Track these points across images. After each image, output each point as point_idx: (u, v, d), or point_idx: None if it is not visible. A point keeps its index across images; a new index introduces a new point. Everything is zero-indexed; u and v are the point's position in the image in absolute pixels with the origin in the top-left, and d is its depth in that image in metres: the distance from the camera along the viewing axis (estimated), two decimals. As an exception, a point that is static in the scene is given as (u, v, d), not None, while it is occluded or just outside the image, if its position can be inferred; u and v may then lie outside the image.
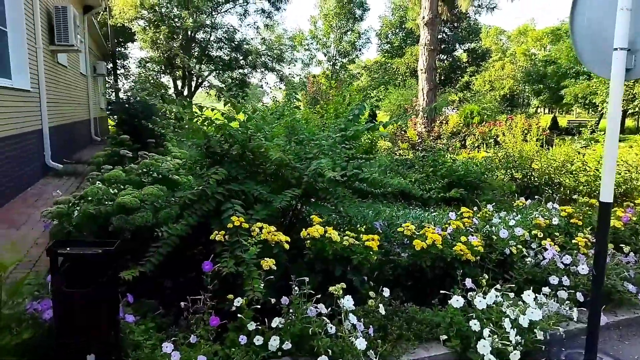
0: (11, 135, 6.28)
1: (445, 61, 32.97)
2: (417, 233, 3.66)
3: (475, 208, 6.67)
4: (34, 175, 7.23)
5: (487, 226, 4.26)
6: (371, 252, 3.24)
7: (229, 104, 4.08)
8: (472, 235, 3.81)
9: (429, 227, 3.65)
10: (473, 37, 34.21)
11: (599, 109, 25.97)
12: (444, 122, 12.55)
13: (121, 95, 24.87)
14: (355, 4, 33.22)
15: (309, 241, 3.30)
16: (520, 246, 3.99)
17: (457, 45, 34.30)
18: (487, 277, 3.53)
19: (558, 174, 8.59)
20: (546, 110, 46.39)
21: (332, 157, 4.37)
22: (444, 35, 32.43)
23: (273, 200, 3.56)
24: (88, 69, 14.95)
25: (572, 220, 4.33)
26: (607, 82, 2.73)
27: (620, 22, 2.53)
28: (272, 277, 2.90)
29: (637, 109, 17.68)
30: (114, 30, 23.51)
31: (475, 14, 31.10)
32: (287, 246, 3.16)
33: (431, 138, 10.51)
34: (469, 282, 3.27)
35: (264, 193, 3.57)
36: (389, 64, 35.11)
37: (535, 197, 8.47)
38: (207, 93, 27.41)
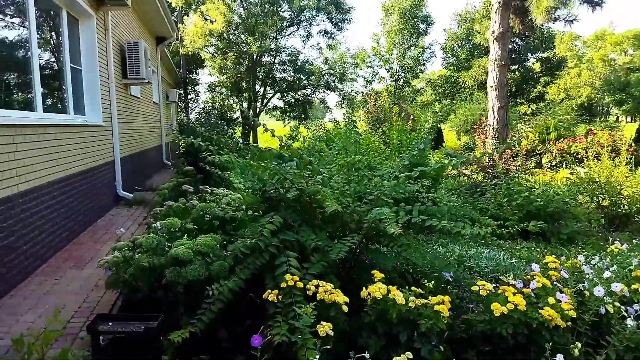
0: (85, 169, 6.56)
1: (517, 72, 31.30)
2: (494, 292, 3.21)
3: (559, 245, 6.01)
4: (105, 207, 7.52)
5: (577, 278, 3.71)
6: (441, 317, 2.86)
7: (286, 146, 3.88)
8: (561, 293, 3.30)
9: (508, 287, 3.19)
10: (546, 46, 32.26)
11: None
12: (519, 141, 11.69)
13: (192, 116, 26.08)
14: (419, 19, 32.63)
15: (370, 301, 2.98)
16: (618, 303, 3.41)
17: (529, 55, 32.51)
18: (579, 345, 3.01)
19: (655, 201, 7.62)
20: (628, 119, 42.58)
21: (396, 196, 4.07)
22: (514, 45, 30.90)
23: (331, 249, 3.30)
24: (160, 97, 15.72)
25: (683, 273, 3.65)
26: None
27: None
28: (328, 346, 2.62)
29: None
30: (185, 58, 24.75)
31: (553, 24, 29.45)
32: (345, 308, 2.86)
33: (503, 160, 9.78)
34: (560, 359, 2.78)
35: (320, 244, 3.31)
36: (455, 78, 33.98)
37: (627, 230, 7.56)
38: (272, 115, 27.97)
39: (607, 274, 3.73)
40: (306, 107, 26.67)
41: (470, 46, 32.74)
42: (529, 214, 6.84)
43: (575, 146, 13.89)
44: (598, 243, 6.77)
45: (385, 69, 35.09)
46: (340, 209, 3.09)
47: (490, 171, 9.63)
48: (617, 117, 41.37)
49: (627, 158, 9.11)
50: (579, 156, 9.51)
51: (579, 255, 3.84)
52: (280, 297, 2.85)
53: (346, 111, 28.17)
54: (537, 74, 31.78)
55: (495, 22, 12.10)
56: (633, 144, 17.61)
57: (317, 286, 2.92)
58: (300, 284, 2.88)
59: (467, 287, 3.70)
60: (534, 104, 31.43)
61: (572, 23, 13.38)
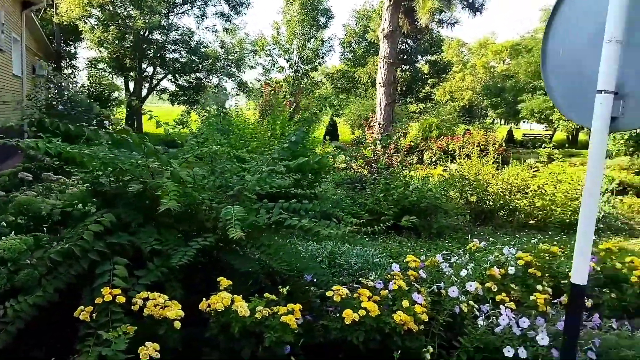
0: None
1: (407, 72, 32.95)
2: (350, 296, 3.02)
3: (427, 240, 6.16)
4: None
5: (435, 277, 3.71)
6: (289, 328, 2.58)
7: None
8: (418, 294, 3.23)
9: (364, 290, 3.03)
10: (435, 49, 34.41)
11: (555, 125, 26.51)
12: (402, 135, 12.10)
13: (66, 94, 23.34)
14: (319, 11, 32.77)
15: (212, 314, 2.61)
16: (472, 302, 3.45)
17: (419, 57, 34.40)
18: (431, 349, 2.95)
19: (514, 198, 8.26)
20: (503, 122, 47.39)
21: (261, 192, 3.74)
22: (406, 46, 32.44)
23: (176, 252, 2.86)
24: (24, 70, 13.71)
25: (530, 270, 3.83)
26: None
27: (607, 57, 1.96)
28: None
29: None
30: (61, 28, 22.07)
31: (438, 27, 31.33)
32: (178, 324, 2.45)
33: (387, 155, 10.01)
34: (408, 366, 2.66)
35: (161, 247, 2.85)
36: (352, 73, 34.82)
37: (491, 225, 8.12)
38: (160, 97, 26.18)
39: (463, 272, 3.77)
40: (199, 92, 25.36)
41: (366, 43, 33.73)
42: (405, 208, 6.99)
43: (453, 144, 14.82)
44: (464, 237, 7.14)
45: (285, 59, 34.81)
46: (178, 207, 2.65)
47: (374, 165, 9.77)
48: (493, 120, 45.84)
49: (495, 157, 9.83)
50: (456, 154, 10.09)
51: (437, 255, 3.84)
52: (94, 315, 2.35)
53: (243, 99, 27.40)
54: (426, 76, 33.79)
55: (385, 20, 12.36)
56: (504, 145, 19.46)
57: (146, 299, 2.47)
58: (121, 298, 2.40)
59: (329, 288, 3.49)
60: (422, 104, 33.39)
61: (453, 26, 14.26)
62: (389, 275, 3.57)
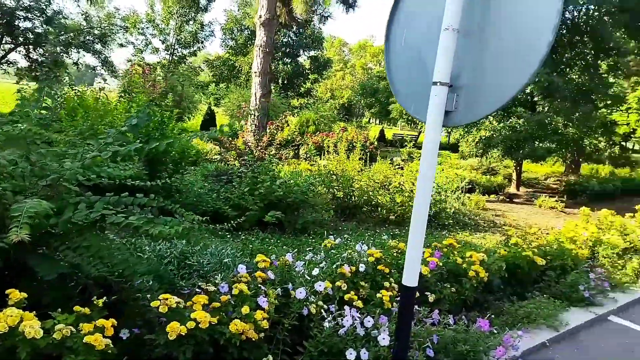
0: None
1: (289, 65, 33.03)
2: (183, 306, 2.66)
3: (291, 235, 6.01)
4: None
5: (286, 277, 3.52)
6: (94, 350, 2.14)
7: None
8: (264, 297, 2.99)
9: (201, 297, 2.69)
10: (316, 45, 35.00)
11: (419, 126, 28.73)
12: (279, 128, 11.84)
13: None
14: (199, -8, 31.19)
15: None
16: (321, 303, 3.33)
17: (301, 51, 34.73)
18: (271, 358, 2.74)
19: (377, 194, 8.56)
20: (377, 121, 50.31)
21: (87, 182, 3.19)
22: (289, 39, 32.48)
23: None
24: None
25: (379, 267, 3.84)
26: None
27: (443, 46, 1.85)
28: None
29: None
30: None
31: (319, 22, 31.92)
32: None
33: (259, 148, 9.73)
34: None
35: None
36: (233, 62, 33.85)
37: (355, 220, 8.32)
38: (5, 71, 22.56)
39: (316, 271, 3.64)
40: (54, 68, 22.37)
41: (249, 32, 33.01)
42: (271, 203, 6.77)
43: (328, 140, 15.04)
44: (328, 232, 7.18)
45: (160, 40, 32.52)
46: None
47: (246, 158, 9.41)
48: (369, 119, 48.35)
49: (362, 154, 10.12)
50: (329, 150, 10.21)
51: (288, 254, 3.66)
52: None
53: (113, 81, 24.88)
54: (307, 71, 34.24)
55: (263, 6, 12.03)
56: (375, 143, 20.47)
57: None
58: None
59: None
60: (303, 99, 33.81)
61: (326, 19, 14.43)
62: (236, 278, 3.29)
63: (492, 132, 14.04)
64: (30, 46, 22.78)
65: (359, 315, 3.20)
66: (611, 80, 16.39)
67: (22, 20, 22.34)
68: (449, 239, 4.57)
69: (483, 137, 14.34)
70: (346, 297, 3.47)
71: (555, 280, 5.18)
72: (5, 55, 22.69)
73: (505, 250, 4.66)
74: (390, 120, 39.69)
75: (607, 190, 15.36)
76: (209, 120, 25.90)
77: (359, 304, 3.43)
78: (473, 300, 4.23)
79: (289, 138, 16.33)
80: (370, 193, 8.57)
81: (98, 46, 23.99)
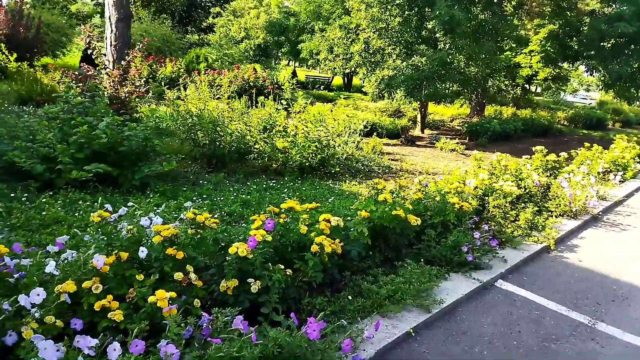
0: None
1: (183, -4, 29.39)
2: None
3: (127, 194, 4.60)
4: None
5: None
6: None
7: None
8: None
9: None
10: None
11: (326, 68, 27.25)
12: (134, 60, 9.20)
13: None
14: None
15: None
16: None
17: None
18: None
19: (251, 140, 7.21)
20: (292, 62, 47.95)
21: None
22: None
23: None
24: None
25: (169, 251, 2.55)
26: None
27: None
28: None
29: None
30: None
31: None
32: None
33: (110, 83, 7.81)
34: None
35: None
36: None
37: (223, 170, 6.93)
38: None
39: (50, 267, 2.27)
40: None
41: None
42: (96, 153, 5.17)
43: (220, 79, 13.17)
44: (181, 188, 5.77)
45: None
46: None
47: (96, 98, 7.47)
48: (289, 61, 45.78)
49: (229, 91, 8.37)
50: (221, 90, 8.46)
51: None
52: None
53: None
54: (207, 3, 30.88)
55: None
56: (281, 84, 18.80)
57: None
58: None
59: None
60: (205, 35, 30.68)
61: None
62: None
63: (395, 72, 13.06)
64: None
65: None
66: (516, 22, 15.99)
67: None
68: (290, 201, 3.38)
69: (385, 77, 13.35)
70: (97, 305, 2.16)
71: (435, 240, 4.29)
72: None
73: (366, 212, 3.57)
74: (302, 61, 37.74)
75: (508, 131, 15.30)
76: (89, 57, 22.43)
77: (119, 317, 2.14)
78: (321, 282, 3.13)
79: (173, 76, 14.24)
80: (246, 139, 7.19)
81: None
